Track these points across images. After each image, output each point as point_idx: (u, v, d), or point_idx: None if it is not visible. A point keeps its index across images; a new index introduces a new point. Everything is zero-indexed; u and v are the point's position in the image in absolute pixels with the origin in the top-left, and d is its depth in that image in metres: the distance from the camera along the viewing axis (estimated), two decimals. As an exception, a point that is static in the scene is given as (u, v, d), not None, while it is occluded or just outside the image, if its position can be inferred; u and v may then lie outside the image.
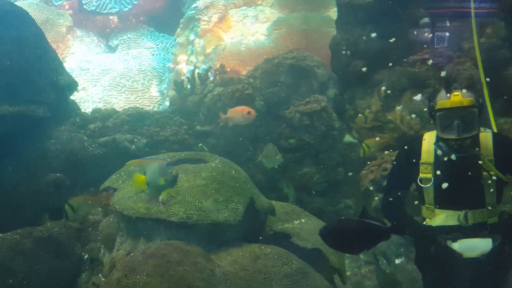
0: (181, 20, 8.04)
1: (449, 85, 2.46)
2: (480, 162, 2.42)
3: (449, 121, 2.42)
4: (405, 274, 3.84)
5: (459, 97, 2.39)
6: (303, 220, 3.90)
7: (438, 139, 2.53)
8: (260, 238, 3.63)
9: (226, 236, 3.41)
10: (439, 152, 2.49)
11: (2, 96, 4.28)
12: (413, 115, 4.66)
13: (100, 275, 3.76)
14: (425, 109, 2.63)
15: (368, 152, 4.51)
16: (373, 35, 4.77)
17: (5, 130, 4.27)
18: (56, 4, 8.30)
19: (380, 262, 4.16)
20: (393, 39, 4.67)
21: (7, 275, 3.44)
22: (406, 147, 2.72)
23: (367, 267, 4.04)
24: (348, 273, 3.96)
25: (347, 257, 4.23)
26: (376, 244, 2.56)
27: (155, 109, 6.97)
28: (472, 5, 3.73)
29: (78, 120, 5.01)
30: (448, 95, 2.43)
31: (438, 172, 2.51)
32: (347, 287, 3.78)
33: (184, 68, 7.39)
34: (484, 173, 2.46)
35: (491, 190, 2.46)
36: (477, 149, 2.43)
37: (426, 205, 2.61)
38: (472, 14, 3.15)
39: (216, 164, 3.75)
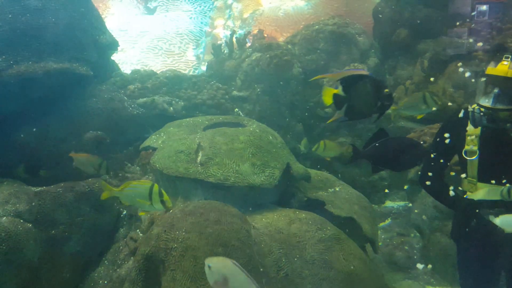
0: (219, -17, 7.93)
1: (499, 55, 2.38)
2: None
3: (489, 89, 2.37)
4: (438, 247, 3.82)
5: (505, 67, 2.32)
6: (337, 189, 3.90)
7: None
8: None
9: (261, 200, 3.46)
10: (470, 118, 2.46)
11: (47, 53, 4.37)
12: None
13: (138, 230, 3.89)
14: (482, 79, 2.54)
15: (322, 151, 4.38)
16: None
17: (50, 86, 4.37)
18: (96, -37, 8.31)
19: (412, 235, 4.15)
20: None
21: (49, 226, 3.57)
22: (453, 119, 2.66)
23: (399, 239, 4.04)
24: (380, 244, 3.97)
25: (379, 227, 4.24)
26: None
27: (191, 73, 6.99)
28: None
29: (118, 80, 5.10)
30: (496, 64, 2.36)
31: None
32: (379, 257, 3.80)
33: (221, 33, 7.34)
34: None
35: None
36: (508, 125, 2.37)
37: (468, 178, 2.57)
38: None
39: (254, 128, 3.77)
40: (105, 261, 3.67)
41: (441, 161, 2.63)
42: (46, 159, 4.41)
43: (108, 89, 4.89)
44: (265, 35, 6.26)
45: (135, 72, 5.40)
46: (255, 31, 6.20)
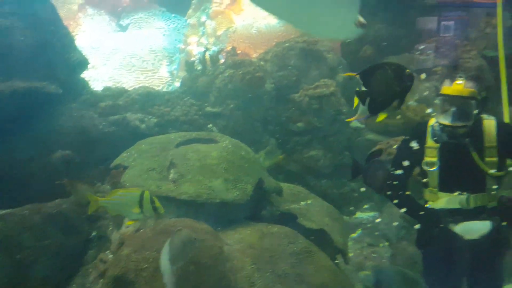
0: (193, 1, 8.01)
1: (453, 73, 2.52)
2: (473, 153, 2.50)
3: (446, 107, 2.50)
4: (405, 256, 3.92)
5: (460, 86, 2.46)
6: (309, 202, 3.96)
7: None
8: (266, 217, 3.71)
9: (234, 215, 3.47)
10: (431, 134, 2.59)
11: (15, 71, 4.31)
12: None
13: (107, 252, 3.79)
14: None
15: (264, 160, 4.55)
16: None
17: (18, 105, 4.28)
18: (68, -19, 8.28)
19: (381, 245, 4.24)
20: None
21: (15, 250, 3.39)
22: (412, 132, 2.78)
23: (369, 249, 4.12)
24: (351, 254, 4.03)
25: (350, 238, 4.31)
26: None
27: (165, 89, 7.00)
28: None
29: (89, 97, 5.06)
30: (451, 82, 2.49)
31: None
32: (349, 267, 3.86)
33: (195, 50, 7.40)
34: (487, 159, 2.53)
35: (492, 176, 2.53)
36: (467, 139, 2.51)
37: (429, 188, 2.69)
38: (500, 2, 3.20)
39: (226, 144, 3.80)
40: (74, 285, 3.56)
41: (404, 173, 2.73)
42: (14, 180, 4.32)
43: (78, 107, 4.84)
44: (239, 52, 6.35)
45: (106, 89, 5.37)
46: (229, 48, 6.29)
